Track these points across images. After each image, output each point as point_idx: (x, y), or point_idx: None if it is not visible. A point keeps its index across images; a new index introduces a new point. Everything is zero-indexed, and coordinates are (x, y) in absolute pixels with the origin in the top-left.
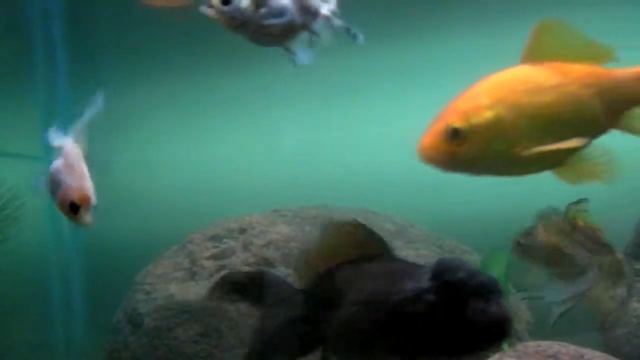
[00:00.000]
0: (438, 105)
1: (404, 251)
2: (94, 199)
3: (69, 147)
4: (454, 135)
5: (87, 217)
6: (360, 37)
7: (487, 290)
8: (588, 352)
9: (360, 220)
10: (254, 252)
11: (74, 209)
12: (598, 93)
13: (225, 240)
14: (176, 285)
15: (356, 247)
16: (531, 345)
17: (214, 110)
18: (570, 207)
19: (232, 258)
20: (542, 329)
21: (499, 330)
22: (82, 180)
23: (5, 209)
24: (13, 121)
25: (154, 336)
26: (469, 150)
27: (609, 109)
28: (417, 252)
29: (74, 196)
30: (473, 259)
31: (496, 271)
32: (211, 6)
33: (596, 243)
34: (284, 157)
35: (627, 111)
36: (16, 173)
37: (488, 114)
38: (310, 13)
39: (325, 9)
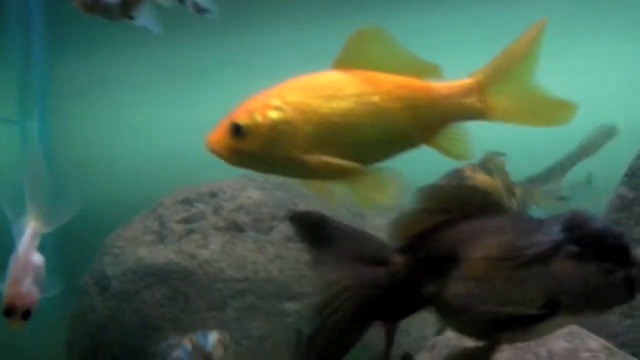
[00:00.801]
0: None
1: (375, 219)
2: (27, 304)
3: (25, 239)
4: (236, 131)
5: (15, 324)
6: (212, 12)
7: (624, 243)
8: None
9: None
10: (224, 216)
11: (7, 313)
12: (410, 107)
13: (195, 204)
14: (145, 248)
15: (461, 205)
16: None
17: (186, 77)
18: (487, 153)
19: (201, 222)
20: None
21: (632, 287)
22: (19, 284)
23: None
24: None
25: (121, 299)
26: (250, 147)
27: (423, 124)
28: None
29: (6, 301)
30: None
31: None
32: None
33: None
34: None
35: (443, 129)
36: None
37: (272, 115)
38: None
39: None
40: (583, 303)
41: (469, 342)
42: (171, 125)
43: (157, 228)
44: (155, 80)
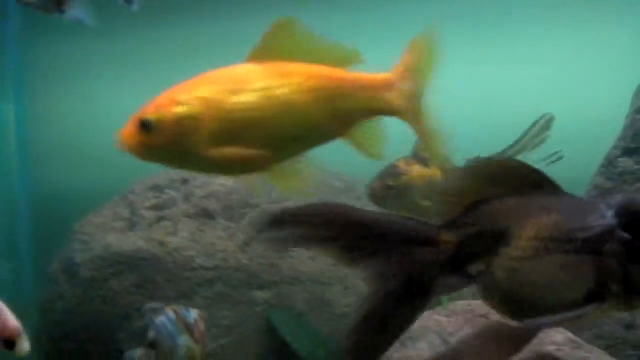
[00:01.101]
0: None
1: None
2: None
3: None
4: (144, 127)
5: (22, 347)
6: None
7: None
8: None
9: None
10: (194, 203)
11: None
12: (323, 98)
13: (166, 190)
14: (114, 235)
15: (511, 180)
16: (461, 304)
17: (165, 61)
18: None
19: (172, 209)
20: None
21: None
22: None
23: None
24: None
25: (89, 286)
26: (158, 143)
27: (338, 116)
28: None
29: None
30: None
31: None
32: None
33: None
34: None
35: (361, 122)
36: None
37: (178, 110)
38: None
39: None
40: (633, 293)
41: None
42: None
43: (128, 215)
44: (133, 64)
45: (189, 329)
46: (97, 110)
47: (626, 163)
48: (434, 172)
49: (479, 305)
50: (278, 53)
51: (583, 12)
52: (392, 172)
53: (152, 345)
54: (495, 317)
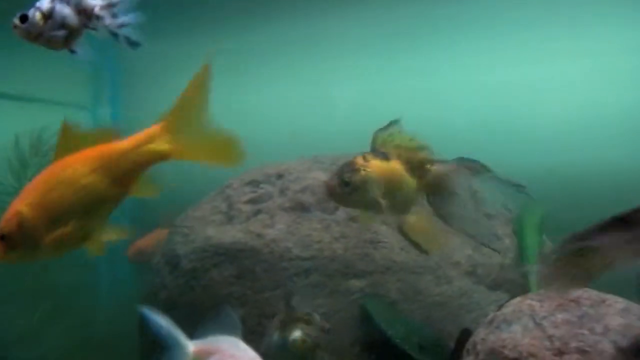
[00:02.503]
0: None
1: None
2: None
3: None
4: (3, 239)
5: None
6: (142, 44)
7: None
8: (610, 298)
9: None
10: (290, 197)
11: None
12: (103, 170)
13: (262, 185)
14: (213, 228)
15: None
16: (553, 289)
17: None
18: (377, 134)
19: (268, 202)
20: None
21: None
22: None
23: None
24: (62, 71)
25: (191, 277)
26: (12, 248)
27: (120, 179)
28: None
29: None
30: (509, 211)
31: (531, 222)
32: (14, 25)
33: (416, 162)
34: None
35: (139, 177)
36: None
37: (19, 220)
38: (87, 15)
39: (97, 9)
40: None
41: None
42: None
43: (225, 209)
44: (222, 66)
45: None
46: None
47: None
48: (392, 167)
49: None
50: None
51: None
52: (349, 169)
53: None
54: (586, 302)
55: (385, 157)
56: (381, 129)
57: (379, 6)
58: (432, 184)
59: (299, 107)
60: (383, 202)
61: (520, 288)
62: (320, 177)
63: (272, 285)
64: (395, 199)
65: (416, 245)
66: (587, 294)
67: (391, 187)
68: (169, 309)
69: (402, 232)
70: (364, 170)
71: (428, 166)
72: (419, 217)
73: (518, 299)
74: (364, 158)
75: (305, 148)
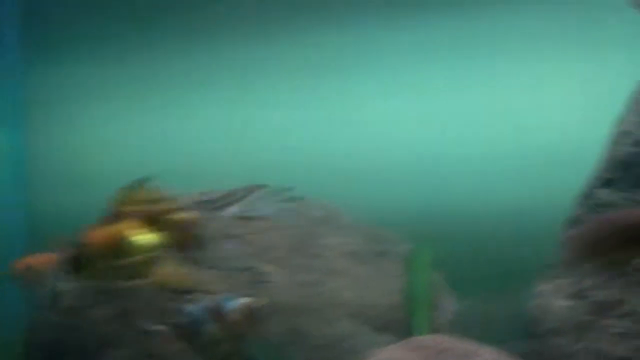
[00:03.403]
0: None
1: (329, 238)
2: None
3: None
4: None
5: None
6: None
7: None
8: (481, 349)
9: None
10: None
11: None
12: None
13: None
14: None
15: None
16: (425, 339)
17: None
18: (118, 193)
19: None
20: (471, 325)
21: None
22: None
23: None
24: None
25: (72, 314)
26: None
27: None
28: (341, 239)
29: None
30: (404, 249)
31: (421, 262)
32: None
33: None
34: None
35: None
36: None
37: None
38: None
39: None
40: None
41: None
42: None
43: None
44: (136, 90)
45: (219, 318)
46: (99, 137)
47: (603, 194)
48: (122, 230)
49: (442, 340)
50: None
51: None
52: (73, 244)
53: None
54: (459, 351)
55: (120, 218)
56: (123, 188)
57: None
58: (178, 232)
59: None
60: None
61: (408, 330)
62: None
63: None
64: (129, 260)
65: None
66: (459, 345)
67: (120, 251)
68: (50, 347)
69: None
70: (85, 244)
71: (170, 216)
72: (168, 269)
73: (390, 347)
74: (92, 229)
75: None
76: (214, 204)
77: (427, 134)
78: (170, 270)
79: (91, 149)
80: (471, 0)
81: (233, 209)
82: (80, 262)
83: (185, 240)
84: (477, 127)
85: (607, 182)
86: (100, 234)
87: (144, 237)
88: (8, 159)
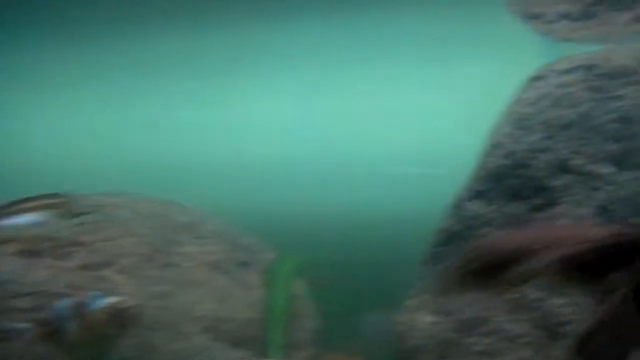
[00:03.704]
0: None
1: (189, 247)
2: None
3: None
4: None
5: None
6: None
7: None
8: None
9: (148, 208)
10: None
11: None
12: None
13: None
14: None
15: None
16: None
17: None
18: None
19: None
20: (333, 339)
21: None
22: None
23: None
24: None
25: None
26: None
27: None
28: (202, 248)
29: None
30: (267, 259)
31: (282, 274)
32: None
33: None
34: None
35: None
36: None
37: None
38: None
39: None
40: None
41: None
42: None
43: None
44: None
45: (83, 316)
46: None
47: (474, 206)
48: None
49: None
50: None
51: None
52: None
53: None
54: None
55: None
56: None
57: None
58: None
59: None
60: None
61: (263, 346)
62: None
63: None
64: None
65: None
66: None
67: None
68: None
69: None
70: None
71: None
72: None
73: None
74: None
75: None
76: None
77: (299, 138)
78: None
79: None
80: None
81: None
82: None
83: None
84: (341, 131)
85: (477, 194)
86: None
87: None
88: None
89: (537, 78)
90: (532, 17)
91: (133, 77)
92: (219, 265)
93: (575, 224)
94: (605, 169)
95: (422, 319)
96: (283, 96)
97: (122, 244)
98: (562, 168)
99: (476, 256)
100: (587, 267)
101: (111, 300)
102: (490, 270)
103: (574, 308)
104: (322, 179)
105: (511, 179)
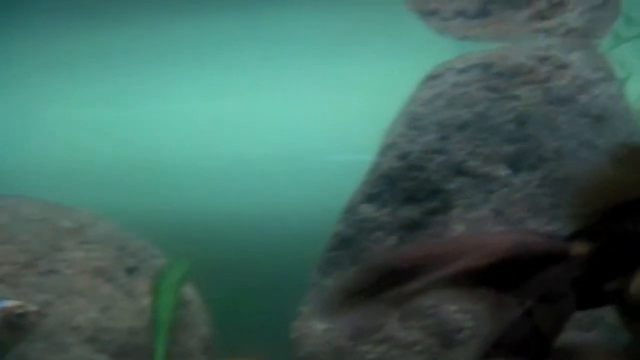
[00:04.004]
0: None
1: (73, 252)
2: None
3: None
4: None
5: None
6: None
7: None
8: None
9: (32, 212)
10: None
11: None
12: None
13: None
14: None
15: None
16: None
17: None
18: None
19: None
20: (225, 346)
21: None
22: None
23: None
24: None
25: None
26: None
27: None
28: (87, 254)
29: None
30: (158, 264)
31: (172, 278)
32: None
33: None
34: None
35: None
36: None
37: None
38: None
39: None
40: None
41: None
42: None
43: None
44: None
45: None
46: None
47: (367, 209)
48: None
49: None
50: None
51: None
52: None
53: None
54: None
55: None
56: None
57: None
58: None
59: None
60: None
61: (149, 357)
62: None
63: None
64: None
65: None
66: None
67: None
68: None
69: None
70: None
71: None
72: None
73: None
74: None
75: None
76: None
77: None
78: None
79: None
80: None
81: None
82: None
83: None
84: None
85: (370, 197)
86: None
87: None
88: None
89: (432, 77)
90: (428, 14)
91: None
92: (106, 272)
93: (477, 234)
94: (501, 171)
95: (315, 325)
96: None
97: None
98: (457, 170)
99: (369, 274)
100: (488, 280)
101: (7, 304)
102: (384, 286)
103: (468, 315)
104: (240, 177)
105: (405, 181)
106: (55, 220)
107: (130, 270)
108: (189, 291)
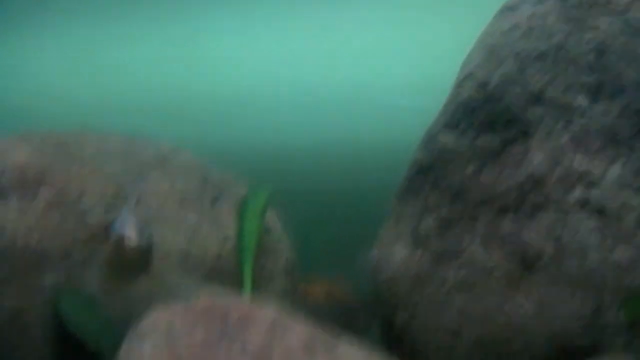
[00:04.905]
0: None
1: (158, 183)
2: None
3: None
4: None
5: None
6: None
7: None
8: (260, 311)
9: (116, 145)
10: None
11: None
12: None
13: None
14: None
15: None
16: (224, 304)
17: None
18: None
19: None
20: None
21: None
22: None
23: None
24: None
25: None
26: None
27: None
28: (171, 184)
29: None
30: (241, 193)
31: (256, 205)
32: None
33: None
34: None
35: None
36: None
37: None
38: None
39: None
40: None
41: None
42: None
43: None
44: None
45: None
46: None
47: (445, 138)
48: None
49: (220, 302)
50: None
51: None
52: None
53: None
54: (234, 316)
55: None
56: None
57: None
58: None
59: None
60: None
61: (237, 281)
62: (21, 157)
63: None
64: None
65: None
66: (238, 307)
67: None
68: None
69: None
70: None
71: None
72: None
73: (161, 308)
74: None
75: None
76: None
77: (266, 72)
78: None
79: None
80: None
81: None
82: None
83: None
84: (317, 67)
85: (449, 125)
86: None
87: None
88: None
89: (509, 8)
90: None
91: None
92: (190, 201)
93: None
94: (580, 101)
95: (395, 251)
96: (254, 32)
97: (85, 182)
98: (536, 100)
99: None
100: None
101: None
102: None
103: (550, 241)
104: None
105: (484, 110)
106: (139, 152)
107: (215, 200)
108: (272, 218)
